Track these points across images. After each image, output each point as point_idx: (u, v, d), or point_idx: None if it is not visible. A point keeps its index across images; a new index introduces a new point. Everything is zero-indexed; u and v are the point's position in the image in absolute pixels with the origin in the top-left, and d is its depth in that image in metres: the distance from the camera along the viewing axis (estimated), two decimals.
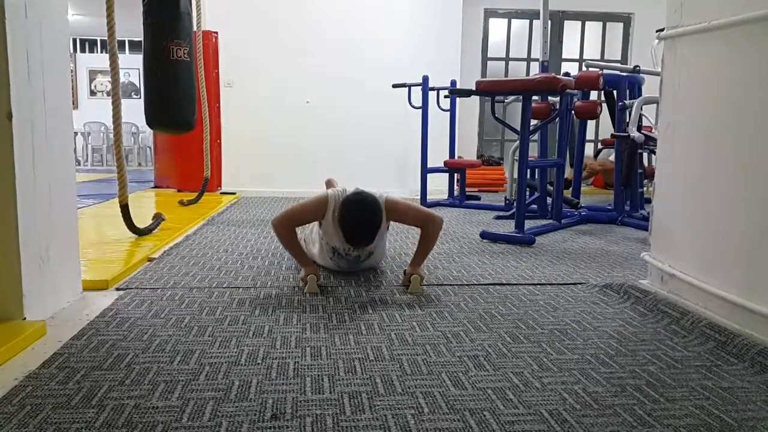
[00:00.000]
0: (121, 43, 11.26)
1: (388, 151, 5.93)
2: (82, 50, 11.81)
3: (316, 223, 2.55)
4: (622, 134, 3.97)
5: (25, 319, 1.78)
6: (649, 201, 3.04)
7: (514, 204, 3.84)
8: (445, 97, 5.29)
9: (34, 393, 1.36)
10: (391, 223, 2.51)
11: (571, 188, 4.65)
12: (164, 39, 3.34)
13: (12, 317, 1.77)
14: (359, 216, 2.22)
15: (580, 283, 2.47)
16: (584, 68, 4.91)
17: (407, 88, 5.24)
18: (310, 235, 2.65)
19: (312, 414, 1.28)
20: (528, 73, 7.17)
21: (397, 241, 3.31)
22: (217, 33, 5.65)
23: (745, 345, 1.67)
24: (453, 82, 5.37)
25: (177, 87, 3.46)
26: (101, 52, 11.74)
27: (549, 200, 4.23)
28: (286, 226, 2.38)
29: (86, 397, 1.34)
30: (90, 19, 10.05)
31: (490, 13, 7.18)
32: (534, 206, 4.31)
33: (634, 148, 3.88)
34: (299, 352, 1.64)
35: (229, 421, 1.24)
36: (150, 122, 3.57)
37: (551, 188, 4.11)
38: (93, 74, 11.37)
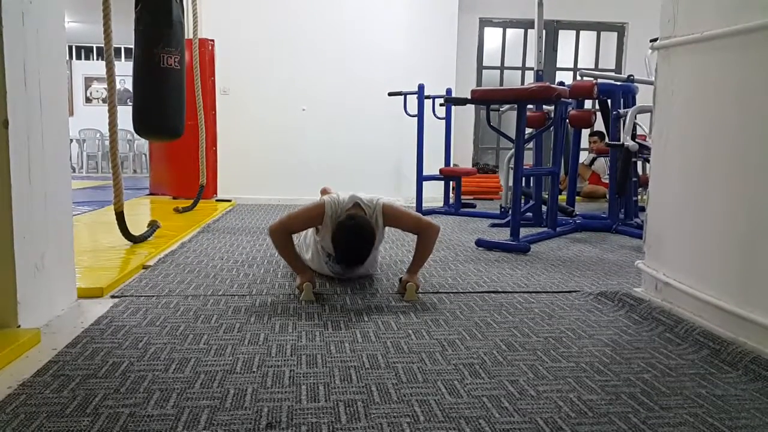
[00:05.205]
0: (117, 51, 11.24)
1: (383, 158, 5.96)
2: (78, 57, 11.81)
3: (311, 230, 2.56)
4: (616, 143, 4.00)
5: (19, 326, 1.77)
6: (643, 209, 3.06)
7: (510, 212, 3.85)
8: (441, 105, 5.31)
9: (28, 401, 1.35)
10: (387, 229, 2.52)
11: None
12: (155, 46, 3.32)
13: (6, 325, 1.76)
14: (352, 242, 2.24)
15: (574, 291, 2.48)
16: (579, 77, 4.95)
17: (403, 97, 5.27)
18: (304, 241, 2.66)
19: (307, 422, 1.28)
20: (523, 82, 7.22)
21: (393, 249, 3.32)
22: (213, 41, 5.66)
23: (739, 353, 1.68)
24: (448, 91, 5.40)
25: (166, 95, 3.42)
26: (97, 59, 11.74)
27: (544, 208, 4.25)
28: (283, 233, 2.38)
29: (81, 406, 1.33)
30: (86, 26, 10.06)
31: (485, 23, 7.23)
32: (529, 214, 4.33)
33: (628, 157, 3.90)
34: (295, 360, 1.64)
35: (224, 429, 1.24)
36: (137, 128, 3.54)
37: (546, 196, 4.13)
38: (89, 81, 11.38)
